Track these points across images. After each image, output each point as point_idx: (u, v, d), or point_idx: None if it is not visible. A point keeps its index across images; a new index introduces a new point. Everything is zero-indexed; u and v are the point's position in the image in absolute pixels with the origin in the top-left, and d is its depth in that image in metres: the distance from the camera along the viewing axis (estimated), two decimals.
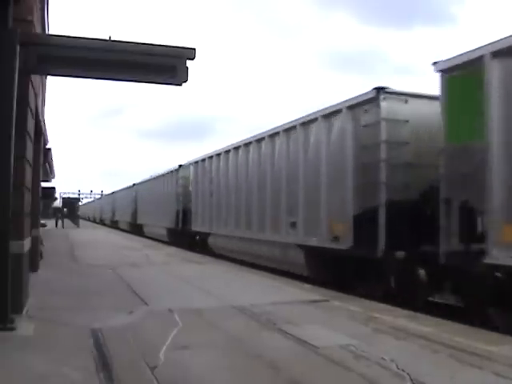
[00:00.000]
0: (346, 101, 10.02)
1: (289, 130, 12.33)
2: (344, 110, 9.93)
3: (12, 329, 5.76)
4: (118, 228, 42.51)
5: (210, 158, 18.23)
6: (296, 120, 12.03)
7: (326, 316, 7.17)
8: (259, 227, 13.67)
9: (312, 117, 11.30)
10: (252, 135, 14.83)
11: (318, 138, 10.88)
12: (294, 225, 11.74)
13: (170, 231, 23.84)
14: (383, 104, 9.02)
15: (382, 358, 4.90)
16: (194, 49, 7.00)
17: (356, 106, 9.73)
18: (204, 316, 7.03)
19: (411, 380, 4.31)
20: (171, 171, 24.17)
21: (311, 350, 5.31)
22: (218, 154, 17.43)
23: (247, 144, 14.94)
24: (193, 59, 7.01)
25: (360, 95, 9.64)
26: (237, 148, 15.72)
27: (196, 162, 20.04)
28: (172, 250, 20.43)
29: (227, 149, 16.53)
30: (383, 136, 8.92)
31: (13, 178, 5.98)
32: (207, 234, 18.35)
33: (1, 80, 5.97)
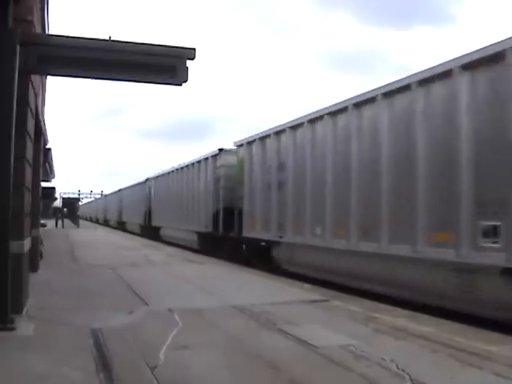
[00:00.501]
0: None
1: (448, 72, 7.53)
2: None
3: (12, 329, 5.76)
4: (125, 230, 37.03)
5: (278, 133, 12.69)
6: (482, 48, 7.07)
7: (326, 316, 7.16)
8: (395, 236, 8.35)
9: None
10: (363, 92, 9.75)
11: None
12: (494, 232, 6.67)
13: (204, 237, 18.44)
14: None
15: (382, 358, 4.89)
16: (194, 49, 7.00)
17: None
18: (204, 316, 7.03)
19: (411, 380, 4.31)
20: (205, 158, 18.46)
21: (311, 350, 5.31)
22: (295, 127, 11.92)
23: (359, 104, 9.64)
24: (193, 59, 7.01)
25: None
26: (334, 113, 10.38)
27: (250, 143, 14.32)
28: (172, 250, 20.41)
29: (311, 117, 11.21)
30: None
31: (13, 177, 5.98)
32: (269, 243, 13.09)
33: (1, 80, 5.97)
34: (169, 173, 24.68)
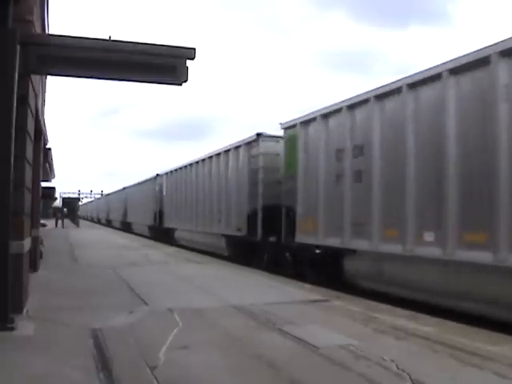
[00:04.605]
0: None
1: None
2: None
3: (12, 329, 5.76)
4: (131, 232, 34.39)
5: (354, 106, 9.74)
6: None
7: (326, 316, 7.16)
8: None
9: None
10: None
11: None
12: None
13: (235, 242, 15.53)
14: None
15: (382, 358, 4.89)
16: (194, 49, 7.00)
17: None
18: (204, 316, 7.02)
19: (411, 380, 4.30)
20: (236, 147, 15.28)
21: (311, 350, 5.30)
22: (383, 95, 8.97)
23: (505, 53, 6.62)
24: (193, 59, 7.01)
25: None
26: (457, 70, 7.42)
27: (307, 122, 11.34)
28: (173, 249, 20.40)
29: (414, 80, 8.25)
30: None
31: (13, 177, 5.98)
32: (337, 252, 10.10)
33: (1, 80, 5.97)
34: (186, 166, 21.16)
